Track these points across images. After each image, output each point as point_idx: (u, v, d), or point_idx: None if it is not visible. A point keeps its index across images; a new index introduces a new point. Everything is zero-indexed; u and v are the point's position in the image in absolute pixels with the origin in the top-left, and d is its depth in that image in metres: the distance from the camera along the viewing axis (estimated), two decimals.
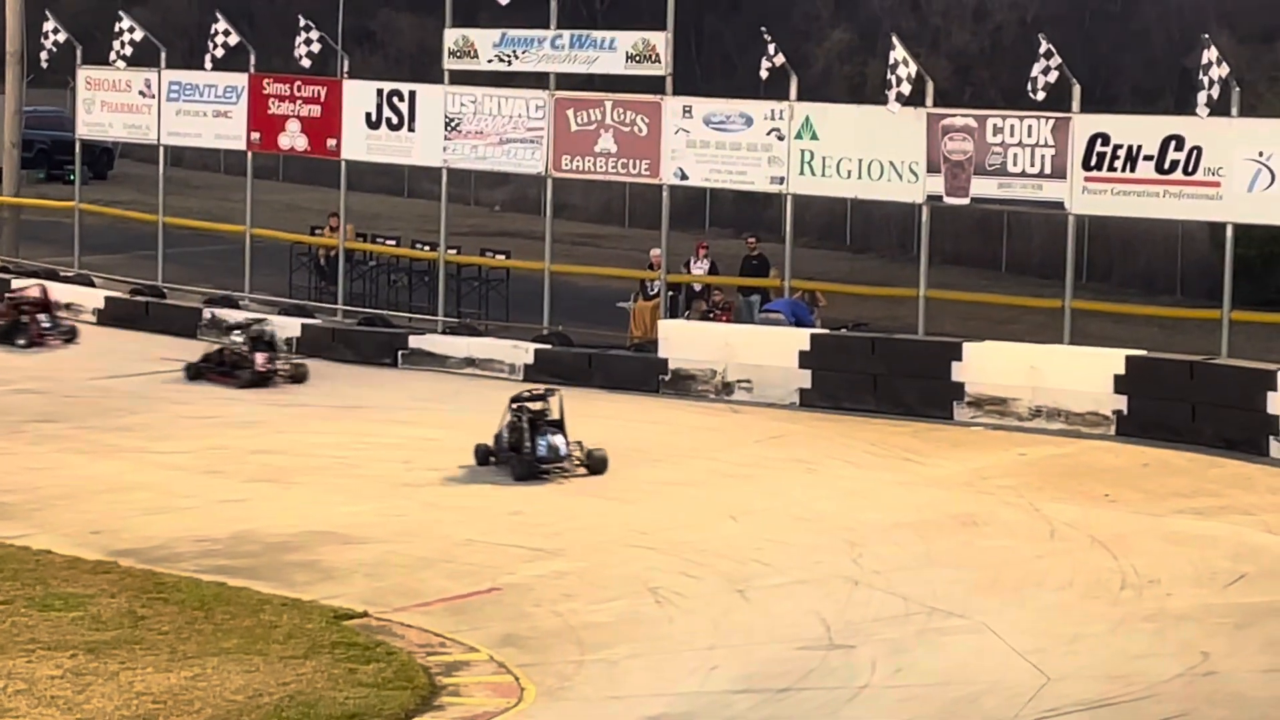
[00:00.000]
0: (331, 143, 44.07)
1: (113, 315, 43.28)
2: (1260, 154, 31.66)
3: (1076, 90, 34.82)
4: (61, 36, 50.68)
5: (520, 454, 28.17)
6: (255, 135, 45.61)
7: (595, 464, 27.47)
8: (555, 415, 28.58)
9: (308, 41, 46.16)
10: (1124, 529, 23.39)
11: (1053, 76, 34.82)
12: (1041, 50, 35.21)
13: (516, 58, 39.71)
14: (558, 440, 27.81)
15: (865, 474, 28.11)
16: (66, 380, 35.73)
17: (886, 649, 17.69)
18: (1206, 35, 35.45)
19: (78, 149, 52.83)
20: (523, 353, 36.58)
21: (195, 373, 35.96)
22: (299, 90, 45.30)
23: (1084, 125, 33.51)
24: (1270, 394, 28.15)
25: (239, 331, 37.45)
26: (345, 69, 46.55)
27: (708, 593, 20.54)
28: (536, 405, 27.68)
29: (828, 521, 24.25)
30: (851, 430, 31.14)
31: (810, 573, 21.39)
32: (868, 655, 17.37)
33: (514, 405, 27.22)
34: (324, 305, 43.35)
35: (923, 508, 25.18)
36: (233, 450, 29.04)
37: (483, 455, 29.21)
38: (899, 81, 35.91)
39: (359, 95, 44.04)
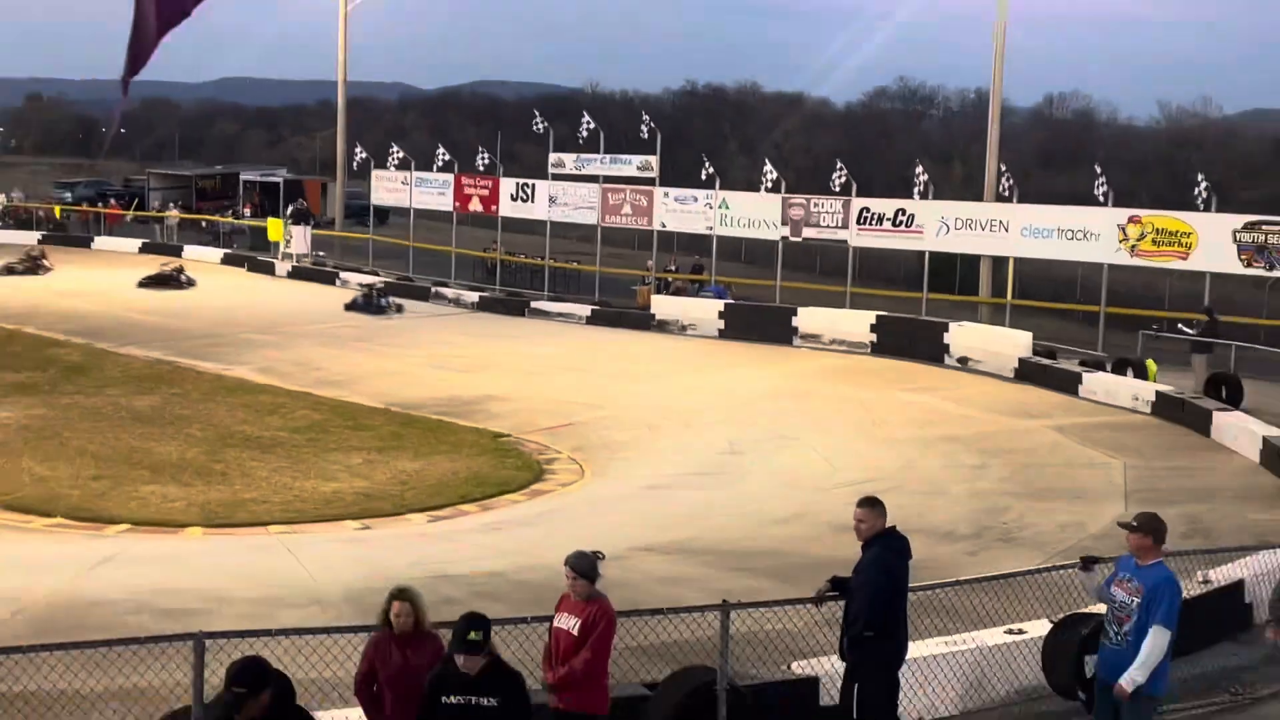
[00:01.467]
0: (494, 207, 44.06)
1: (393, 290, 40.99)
2: (942, 218, 33.69)
3: (854, 187, 35.04)
4: (362, 154, 49.09)
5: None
6: (457, 203, 45.39)
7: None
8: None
9: (483, 158, 45.77)
10: (873, 398, 25.63)
11: (844, 178, 35.28)
12: (836, 173, 35.50)
13: (583, 167, 41.23)
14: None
15: (749, 369, 29.20)
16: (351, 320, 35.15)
17: (760, 454, 21.00)
18: (919, 161, 36.58)
19: (372, 209, 51.20)
20: (585, 310, 37.09)
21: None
22: (478, 182, 44.90)
23: (856, 203, 35.02)
24: (944, 333, 30.31)
25: (366, 287, 39.59)
26: (501, 171, 44.77)
27: (674, 428, 23.05)
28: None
29: (731, 393, 26.33)
30: (742, 349, 31.83)
31: (725, 417, 23.84)
32: (751, 457, 20.72)
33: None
34: (488, 286, 42.63)
35: (777, 385, 27.26)
36: (440, 354, 30.55)
37: (352, 304, 36.33)
38: (765, 180, 37.49)
39: (507, 185, 43.74)
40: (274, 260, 46.06)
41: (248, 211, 56.78)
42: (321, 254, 47.13)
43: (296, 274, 44.58)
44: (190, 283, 41.66)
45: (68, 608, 12.29)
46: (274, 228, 49.51)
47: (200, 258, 47.98)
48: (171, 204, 58.70)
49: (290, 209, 51.27)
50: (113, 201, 59.79)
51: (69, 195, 62.22)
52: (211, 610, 11.53)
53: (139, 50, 4.88)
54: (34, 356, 28.18)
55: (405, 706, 7.58)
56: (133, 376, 26.36)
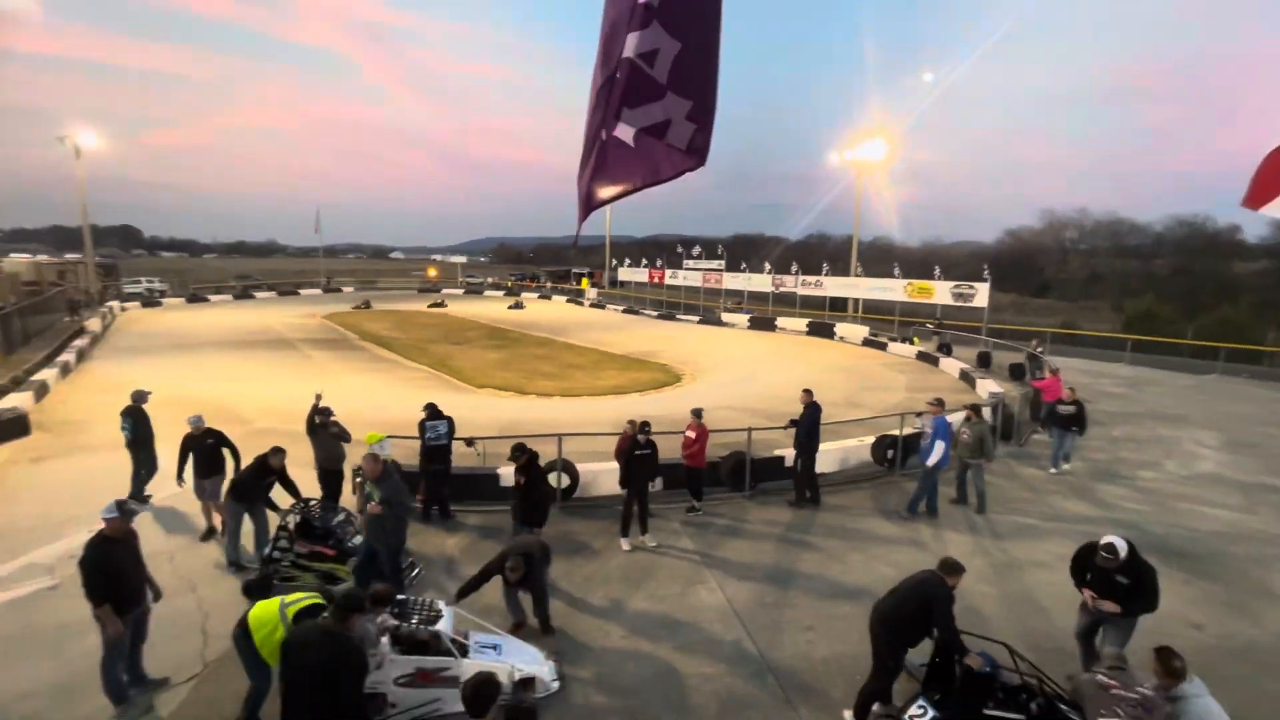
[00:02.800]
0: (663, 279, 40.71)
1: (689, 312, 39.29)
2: (835, 284, 32.72)
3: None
4: (615, 261, 46.94)
5: None
6: (651, 279, 41.96)
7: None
8: None
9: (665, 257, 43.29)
10: (806, 353, 23.34)
11: (797, 271, 33.28)
12: (794, 268, 33.75)
13: (694, 269, 38.68)
14: None
15: (759, 342, 26.18)
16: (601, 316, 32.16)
17: (762, 373, 19.37)
18: (825, 265, 35.00)
19: (618, 281, 48.87)
20: (696, 318, 33.86)
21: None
22: (658, 273, 41.69)
23: (803, 278, 32.60)
24: (835, 326, 27.36)
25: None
26: (664, 263, 41.07)
27: (729, 364, 21.28)
28: None
29: (751, 351, 23.98)
30: (757, 334, 29.17)
31: (749, 360, 21.89)
32: (759, 375, 19.09)
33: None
34: (661, 309, 37.19)
35: (769, 348, 24.59)
36: (642, 336, 26.60)
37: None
38: (767, 269, 35.11)
39: (670, 271, 41.10)
40: (583, 301, 45.25)
41: (575, 282, 56.32)
42: (600, 298, 45.93)
43: (592, 306, 43.29)
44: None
45: (515, 422, 12.44)
46: (584, 285, 50.09)
47: (558, 300, 47.35)
48: (549, 280, 59.68)
49: (589, 279, 50.99)
50: (529, 280, 60.85)
51: (514, 277, 63.74)
52: (559, 425, 11.37)
53: (586, 205, 3.42)
54: (502, 336, 28.13)
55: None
56: (535, 343, 26.07)
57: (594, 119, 3.35)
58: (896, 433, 9.71)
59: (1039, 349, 18.41)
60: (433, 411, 7.97)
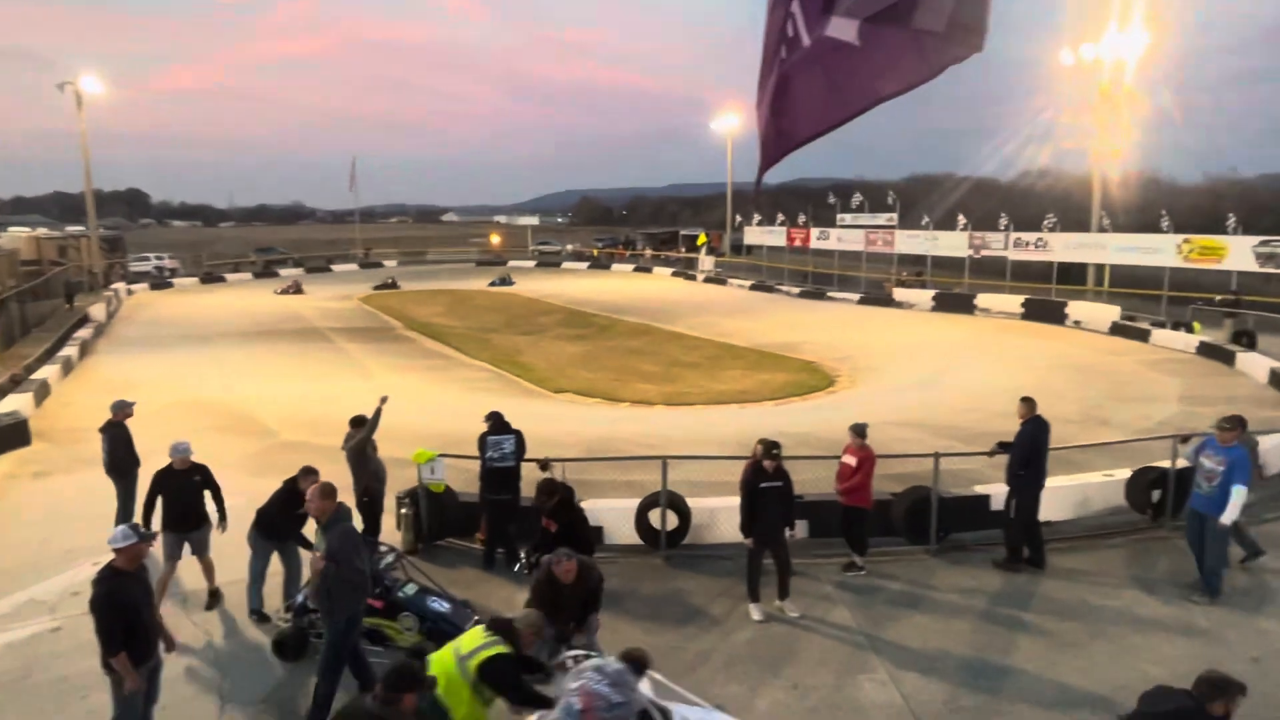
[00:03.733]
0: (808, 244, 41.34)
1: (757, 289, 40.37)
2: (1065, 243, 31.03)
3: (1010, 225, 32.14)
4: (739, 218, 48.72)
5: None
6: (787, 242, 42.87)
7: None
8: None
9: (800, 219, 42.85)
10: (1021, 344, 22.67)
11: (1007, 223, 33.48)
12: (1001, 219, 33.53)
13: (852, 226, 39.03)
14: None
15: (947, 328, 25.90)
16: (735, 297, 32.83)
17: (952, 374, 19.34)
18: (1051, 213, 33.35)
19: (744, 246, 51.96)
20: (856, 297, 33.86)
21: None
22: (797, 232, 42.23)
23: (1013, 235, 32.03)
24: (1065, 307, 27.10)
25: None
26: (810, 224, 41.47)
27: (902, 360, 21.21)
28: None
29: (937, 341, 23.52)
30: (943, 318, 28.78)
31: (932, 354, 21.71)
32: (947, 376, 18.90)
33: None
34: (803, 285, 38.39)
35: (963, 337, 24.23)
36: (779, 321, 27.60)
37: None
38: (958, 224, 35.58)
39: (815, 231, 40.99)
40: (695, 274, 45.64)
41: (683, 249, 56.89)
42: (719, 270, 46.17)
43: (707, 280, 43.83)
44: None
45: (603, 439, 12.90)
46: (701, 242, 50.67)
47: (660, 273, 48.44)
48: (647, 247, 60.60)
49: (704, 244, 50.93)
50: (620, 246, 61.93)
51: (600, 244, 65.00)
52: (667, 445, 11.52)
53: (777, 145, 3.28)
54: (584, 322, 28.99)
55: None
56: (630, 331, 26.70)
57: (781, 19, 3.11)
58: (1166, 464, 9.18)
59: None
60: (497, 424, 8.32)
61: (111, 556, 5.06)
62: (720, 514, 8.81)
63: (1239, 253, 24.95)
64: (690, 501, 8.73)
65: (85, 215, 42.71)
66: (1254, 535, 8.36)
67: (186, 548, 7.35)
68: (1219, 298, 24.81)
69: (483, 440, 8.22)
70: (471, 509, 8.44)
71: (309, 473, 6.94)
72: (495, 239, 69.48)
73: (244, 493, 10.19)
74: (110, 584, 4.91)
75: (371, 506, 8.28)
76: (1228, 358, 19.54)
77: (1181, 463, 9.05)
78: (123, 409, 8.73)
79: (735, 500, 8.99)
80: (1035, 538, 8.26)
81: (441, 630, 6.11)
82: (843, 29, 2.97)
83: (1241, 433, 7.62)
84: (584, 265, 54.29)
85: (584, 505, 8.69)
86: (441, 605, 6.58)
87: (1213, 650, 6.71)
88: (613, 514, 8.68)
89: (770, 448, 7.31)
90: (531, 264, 55.07)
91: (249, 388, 17.34)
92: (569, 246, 63.60)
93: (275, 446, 12.89)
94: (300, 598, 6.57)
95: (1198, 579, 7.65)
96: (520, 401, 15.83)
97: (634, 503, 8.57)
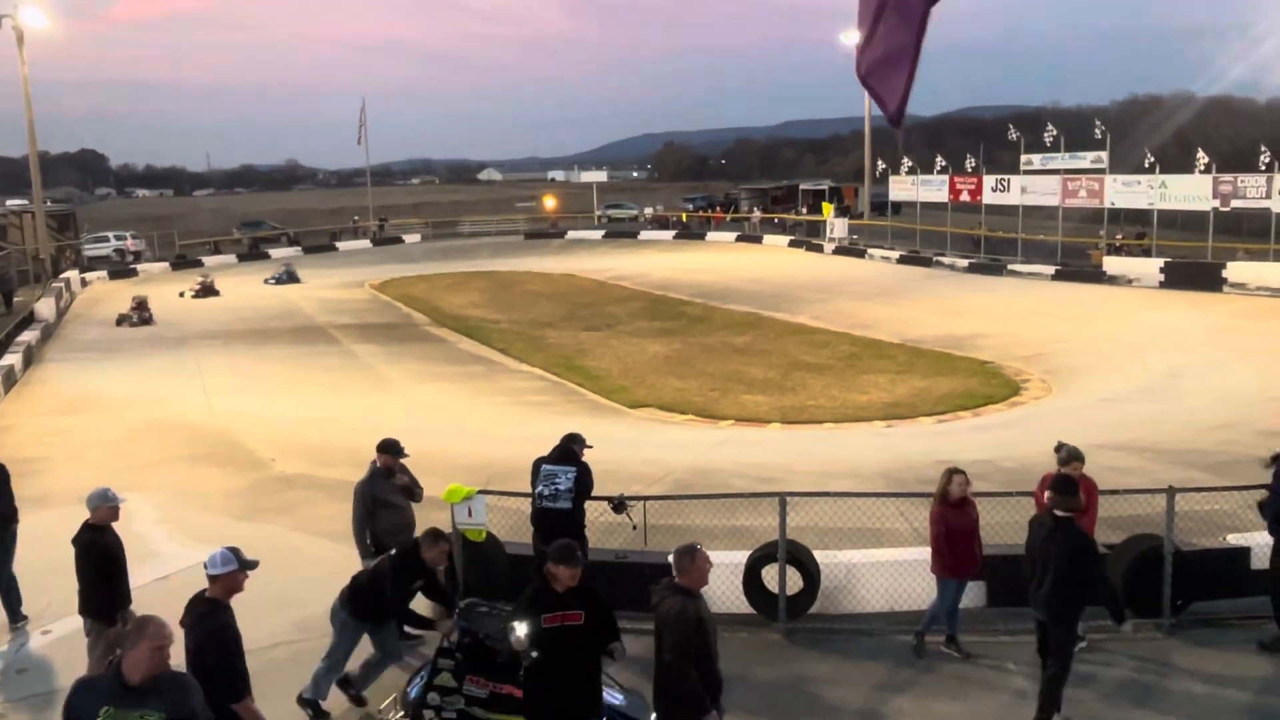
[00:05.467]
0: (979, 198, 40.42)
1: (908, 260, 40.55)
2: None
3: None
4: (882, 165, 47.23)
5: None
6: (950, 196, 41.80)
7: None
8: None
9: (969, 163, 42.26)
10: None
11: (1268, 158, 31.91)
12: (1262, 154, 32.95)
13: (1047, 164, 37.71)
14: None
15: (1184, 311, 25.70)
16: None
17: (1195, 376, 19.20)
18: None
19: (889, 204, 49.38)
20: (1050, 270, 34.07)
21: None
22: (966, 180, 41.32)
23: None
24: None
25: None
26: (984, 171, 41.33)
27: (1121, 357, 20.98)
28: None
29: (1170, 330, 23.24)
30: (1178, 296, 28.61)
31: (1165, 348, 21.43)
32: (1188, 379, 18.95)
33: None
34: (975, 255, 38.92)
35: (1209, 323, 24.00)
36: (941, 305, 27.70)
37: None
38: (1199, 164, 33.77)
39: (989, 181, 40.42)
40: (822, 242, 45.66)
41: (805, 210, 56.79)
42: (855, 236, 46.07)
43: (838, 251, 43.92)
44: (286, 279, 38.91)
45: (698, 471, 12.98)
46: (826, 210, 50.07)
47: (773, 243, 48.79)
48: (755, 208, 60.54)
49: (834, 204, 50.77)
50: (717, 208, 61.98)
51: (690, 205, 65.27)
52: (785, 478, 11.54)
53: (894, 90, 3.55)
54: (671, 312, 29.27)
55: (956, 549, 7.81)
56: (733, 323, 26.85)
57: None
58: None
59: None
60: (558, 450, 8.44)
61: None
62: (861, 572, 8.74)
63: None
64: (819, 555, 8.69)
65: (28, 186, 45.03)
66: None
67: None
68: None
69: (535, 468, 8.39)
70: (523, 564, 8.47)
71: (438, 538, 7.15)
72: (550, 202, 70.21)
73: (227, 540, 10.64)
74: (215, 618, 5.45)
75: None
76: None
77: None
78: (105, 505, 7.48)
79: (883, 553, 8.97)
80: None
81: None
82: None
83: None
84: (669, 235, 54.64)
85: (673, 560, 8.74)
86: (615, 697, 6.48)
87: None
88: (713, 572, 8.66)
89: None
90: (598, 235, 55.96)
91: (232, 403, 17.92)
92: (649, 210, 64.15)
93: (269, 479, 13.27)
94: (416, 691, 6.63)
95: None
96: (585, 420, 15.87)
97: (742, 556, 8.52)
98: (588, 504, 8.41)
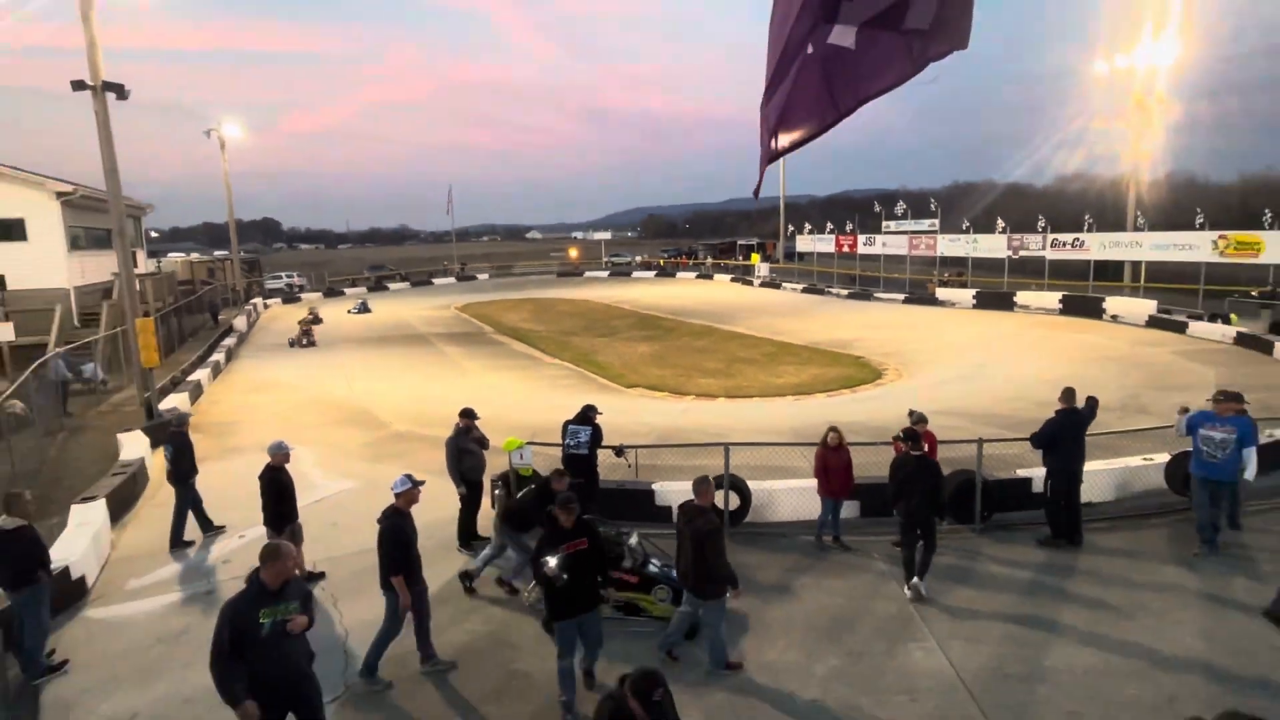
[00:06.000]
0: (855, 245, 42.77)
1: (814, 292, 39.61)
2: (1101, 243, 29.45)
3: (1048, 227, 31.03)
4: (791, 228, 47.16)
5: None
6: (846, 247, 45.06)
7: None
8: None
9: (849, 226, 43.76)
10: (1059, 338, 21.91)
11: (1044, 225, 32.70)
12: (1039, 221, 33.49)
13: (897, 232, 38.02)
14: None
15: (989, 324, 24.98)
16: (786, 300, 31.74)
17: (996, 367, 18.60)
18: (1088, 215, 32.68)
19: (796, 254, 52.42)
20: (901, 296, 33.05)
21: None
22: (848, 239, 42.03)
23: (1050, 236, 30.72)
24: (1103, 302, 25.73)
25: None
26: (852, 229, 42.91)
27: (949, 354, 20.51)
28: None
29: (980, 336, 22.72)
30: (986, 314, 27.90)
31: (976, 349, 20.81)
32: (991, 369, 18.42)
33: None
34: (853, 288, 37.48)
35: (1004, 331, 23.34)
36: (834, 321, 26.84)
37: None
38: (999, 226, 33.35)
39: (862, 239, 41.61)
40: (753, 279, 44.93)
41: (741, 258, 55.78)
42: (774, 275, 45.22)
43: (763, 285, 43.07)
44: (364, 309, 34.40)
45: (671, 429, 12.89)
46: (754, 258, 49.71)
47: (720, 280, 47.68)
48: (709, 256, 60.04)
49: (760, 253, 50.51)
50: (684, 257, 61.57)
51: (666, 254, 64.87)
52: (728, 434, 11.48)
53: (774, 145, 3.23)
54: (654, 324, 28.94)
55: (831, 480, 7.95)
56: (694, 332, 26.49)
57: (785, 28, 3.04)
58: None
59: None
60: (579, 415, 8.52)
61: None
62: (778, 495, 8.78)
63: (1275, 247, 23.50)
64: (751, 484, 8.73)
65: (229, 242, 45.14)
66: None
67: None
68: (1256, 291, 23.51)
69: (564, 428, 8.42)
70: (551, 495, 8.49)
71: (562, 475, 6.94)
72: (573, 253, 70.37)
73: (361, 476, 10.69)
74: (393, 520, 5.70)
75: (473, 489, 8.51)
76: (1266, 347, 18.59)
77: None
78: (183, 419, 9.33)
79: (791, 482, 9.00)
80: (1074, 517, 7.98)
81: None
82: (843, 36, 2.94)
83: (1237, 405, 7.63)
84: (652, 274, 54.22)
85: (655, 487, 8.79)
86: (658, 567, 6.65)
87: (1253, 626, 6.32)
88: (680, 496, 8.67)
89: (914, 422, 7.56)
90: (605, 274, 55.56)
91: (365, 385, 17.97)
92: (638, 258, 63.74)
93: (387, 436, 13.32)
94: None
95: (1204, 542, 7.66)
96: (596, 396, 15.85)
97: None
98: (600, 451, 8.49)
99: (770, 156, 3.28)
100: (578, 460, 8.20)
